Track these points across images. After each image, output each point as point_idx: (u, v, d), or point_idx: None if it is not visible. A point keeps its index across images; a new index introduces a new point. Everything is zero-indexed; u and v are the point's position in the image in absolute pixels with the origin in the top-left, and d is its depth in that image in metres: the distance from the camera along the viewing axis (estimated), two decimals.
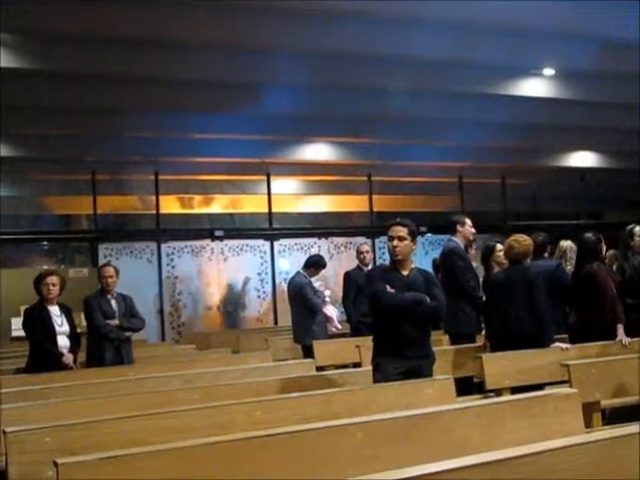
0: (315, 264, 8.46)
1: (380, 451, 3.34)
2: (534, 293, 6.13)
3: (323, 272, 8.85)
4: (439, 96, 10.53)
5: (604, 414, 5.46)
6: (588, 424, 4.48)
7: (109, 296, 7.19)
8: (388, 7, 7.49)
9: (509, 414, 3.75)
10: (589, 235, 6.78)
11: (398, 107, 10.24)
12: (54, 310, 6.76)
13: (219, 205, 14.98)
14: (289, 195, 15.15)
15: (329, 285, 11.11)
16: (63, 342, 6.69)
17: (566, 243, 7.60)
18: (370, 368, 5.15)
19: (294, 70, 8.90)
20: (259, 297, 13.91)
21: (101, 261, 11.93)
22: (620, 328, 6.37)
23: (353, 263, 9.18)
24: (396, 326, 4.96)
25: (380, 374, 4.97)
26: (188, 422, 3.92)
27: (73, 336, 6.82)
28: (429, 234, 14.43)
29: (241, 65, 8.94)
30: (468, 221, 7.16)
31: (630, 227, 7.02)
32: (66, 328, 6.74)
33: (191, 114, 10.62)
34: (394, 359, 4.96)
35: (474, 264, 7.46)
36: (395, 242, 5.04)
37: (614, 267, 7.35)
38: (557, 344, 6.13)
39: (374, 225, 14.35)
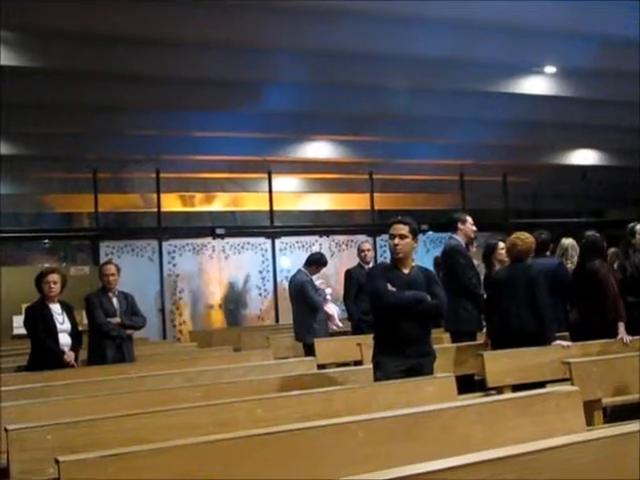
0: (316, 262, 8.46)
1: (381, 449, 3.34)
2: (535, 291, 6.12)
3: (324, 270, 8.84)
4: (440, 94, 10.52)
5: (605, 412, 5.45)
6: (589, 422, 4.47)
7: (110, 294, 7.18)
8: (389, 5, 7.48)
9: (510, 412, 3.74)
10: (591, 232, 6.78)
11: (399, 105, 10.24)
12: (55, 308, 6.76)
13: (220, 203, 14.99)
14: (290, 193, 15.17)
15: (330, 283, 11.11)
16: (64, 340, 6.69)
17: (567, 241, 7.60)
18: (371, 366, 5.15)
19: (295, 68, 8.90)
20: (260, 295, 13.92)
21: (102, 259, 11.94)
22: (621, 326, 6.37)
23: (354, 261, 9.18)
24: (397, 324, 4.96)
25: (381, 372, 4.97)
26: (189, 420, 3.92)
27: (74, 334, 6.82)
28: (430, 232, 14.43)
29: (242, 63, 8.94)
30: (469, 219, 7.16)
31: (631, 225, 7.01)
32: (67, 326, 6.74)
33: (192, 112, 10.63)
34: (395, 357, 4.96)
35: (475, 262, 7.46)
36: (396, 240, 5.03)
37: (615, 265, 7.35)
38: (558, 342, 6.13)
39: (375, 223, 14.36)
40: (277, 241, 13.98)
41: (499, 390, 5.69)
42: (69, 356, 6.63)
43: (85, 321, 7.44)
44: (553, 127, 12.38)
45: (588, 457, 2.61)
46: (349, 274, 8.65)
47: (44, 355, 6.59)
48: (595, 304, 6.49)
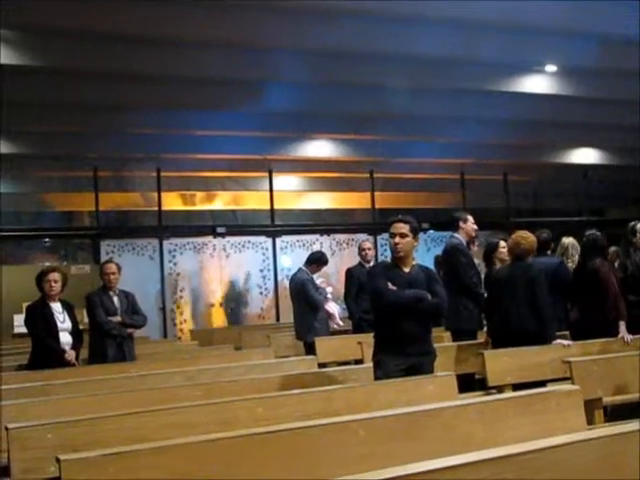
0: (317, 261, 8.46)
1: (381, 448, 3.34)
2: (536, 290, 6.11)
3: (325, 269, 8.85)
4: (441, 93, 10.53)
5: (606, 411, 5.45)
6: (590, 421, 4.47)
7: (111, 293, 7.18)
8: (389, 5, 7.49)
9: (511, 411, 3.74)
10: (592, 231, 6.78)
11: (400, 104, 10.24)
12: (56, 307, 6.76)
13: (221, 202, 14.99)
14: (291, 192, 15.17)
15: (331, 282, 11.10)
16: (65, 339, 6.69)
17: (568, 240, 7.59)
18: (372, 365, 5.15)
19: (295, 67, 8.90)
20: (261, 294, 13.92)
21: (103, 258, 11.94)
22: (622, 325, 6.37)
23: (355, 260, 9.18)
24: (397, 323, 4.96)
25: (381, 371, 4.97)
26: (190, 419, 3.92)
27: (75, 333, 6.82)
28: (431, 231, 14.43)
29: (242, 62, 8.94)
30: (470, 218, 7.16)
31: (632, 224, 7.01)
32: (68, 325, 6.74)
33: (193, 111, 10.63)
34: (395, 356, 4.96)
35: (476, 261, 7.46)
36: (397, 239, 5.03)
37: (616, 264, 7.35)
38: (559, 341, 6.12)
39: (376, 222, 14.35)
40: (278, 240, 13.98)
41: (500, 389, 5.69)
42: (70, 355, 6.63)
43: (86, 320, 7.44)
44: (554, 126, 12.38)
45: (589, 456, 2.61)
46: (350, 273, 8.64)
47: (45, 354, 6.59)
48: (596, 303, 6.49)
